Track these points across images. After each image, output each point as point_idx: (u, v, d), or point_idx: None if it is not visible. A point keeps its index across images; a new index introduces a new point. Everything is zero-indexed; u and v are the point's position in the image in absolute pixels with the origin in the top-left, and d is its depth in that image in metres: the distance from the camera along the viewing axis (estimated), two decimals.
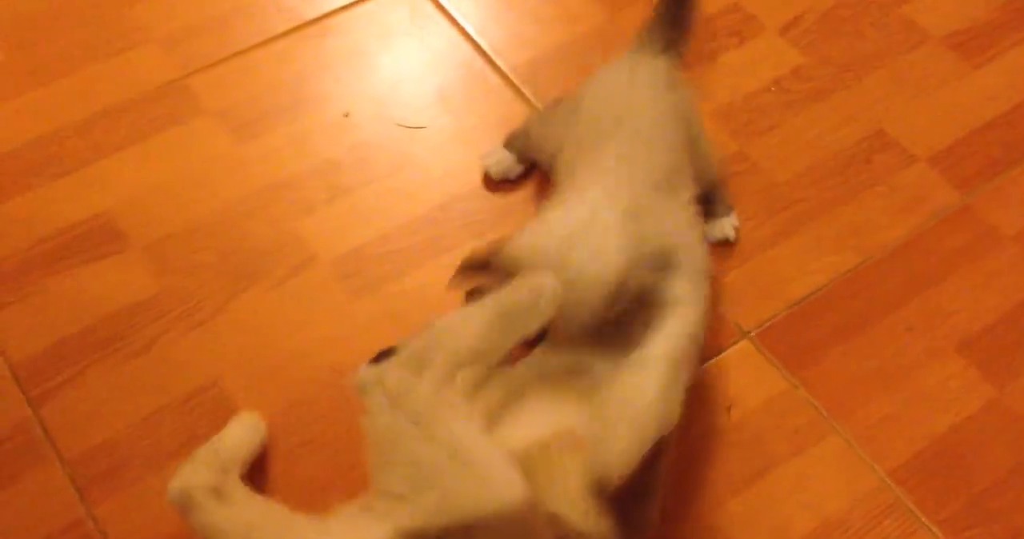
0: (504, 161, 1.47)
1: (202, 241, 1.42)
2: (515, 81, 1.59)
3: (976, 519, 1.23)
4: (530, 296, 1.00)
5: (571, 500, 0.95)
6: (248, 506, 1.08)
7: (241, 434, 1.22)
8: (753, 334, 1.36)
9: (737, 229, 1.42)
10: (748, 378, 1.32)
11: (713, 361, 1.33)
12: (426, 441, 0.92)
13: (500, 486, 0.91)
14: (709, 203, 1.39)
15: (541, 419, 1.03)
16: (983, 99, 1.59)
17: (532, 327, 1.00)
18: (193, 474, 1.11)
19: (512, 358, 1.06)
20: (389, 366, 0.97)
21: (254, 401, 1.29)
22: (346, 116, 1.55)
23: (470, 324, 0.98)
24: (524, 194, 1.48)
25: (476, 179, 1.49)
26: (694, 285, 1.12)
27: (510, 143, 1.47)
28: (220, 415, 1.27)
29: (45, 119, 1.52)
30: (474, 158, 1.50)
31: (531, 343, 1.11)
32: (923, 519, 1.23)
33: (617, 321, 1.07)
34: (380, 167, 1.50)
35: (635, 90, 1.31)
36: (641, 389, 1.02)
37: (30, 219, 1.43)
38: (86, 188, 1.46)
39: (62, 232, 1.42)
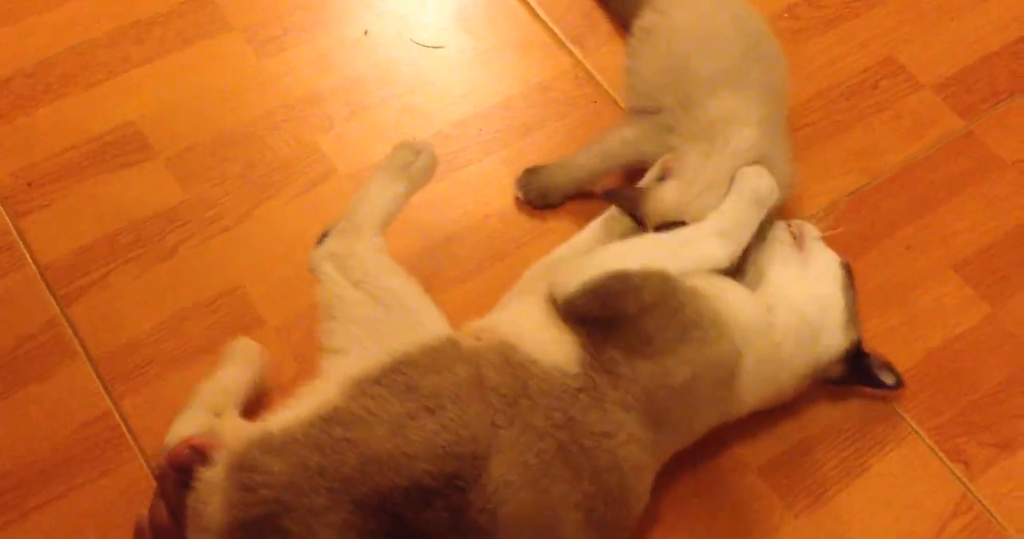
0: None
1: (225, 152, 1.46)
2: (532, 4, 1.62)
3: (965, 428, 1.28)
4: (411, 153, 1.22)
5: (539, 334, 1.07)
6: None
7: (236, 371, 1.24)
8: None
9: None
10: None
11: None
12: (366, 298, 1.06)
13: (427, 324, 1.04)
14: None
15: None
16: (991, 28, 1.62)
17: (423, 177, 1.22)
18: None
19: None
20: (330, 239, 1.15)
21: (274, 306, 1.34)
22: (366, 34, 1.58)
23: (372, 188, 1.19)
24: (540, 114, 1.51)
25: (493, 99, 1.53)
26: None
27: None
28: (241, 319, 1.33)
29: (77, 30, 1.56)
30: (491, 78, 1.53)
31: None
32: (914, 426, 1.28)
33: None
34: (399, 85, 1.54)
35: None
36: (612, 249, 1.15)
37: (60, 127, 1.47)
38: (114, 98, 1.50)
39: (90, 140, 1.46)
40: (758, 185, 1.19)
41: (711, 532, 1.20)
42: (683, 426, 1.10)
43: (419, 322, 1.05)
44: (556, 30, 1.59)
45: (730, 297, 1.12)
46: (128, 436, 1.24)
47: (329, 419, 0.93)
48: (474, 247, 1.39)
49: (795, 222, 1.27)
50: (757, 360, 1.11)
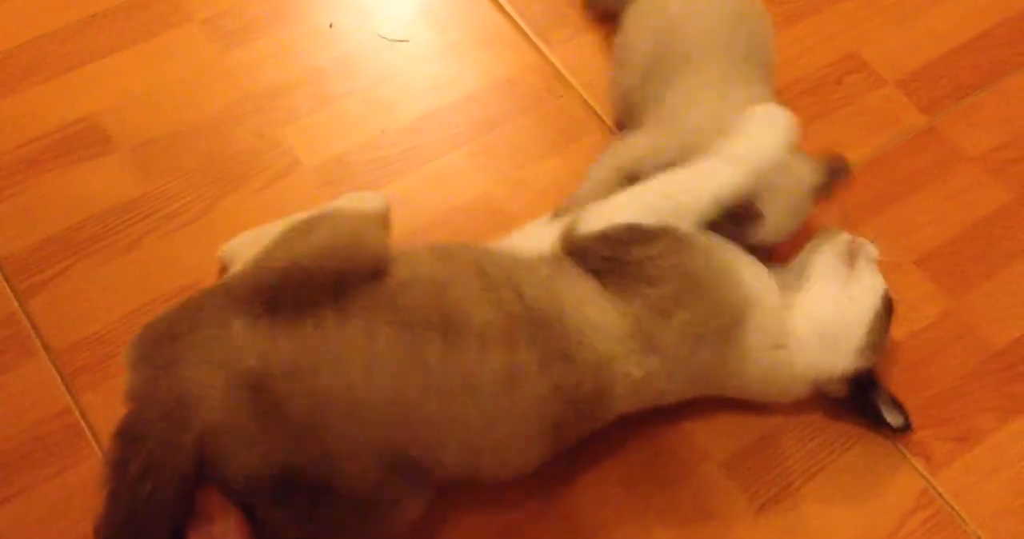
0: None
1: (187, 145, 1.45)
2: None
3: (927, 422, 1.29)
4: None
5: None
6: None
7: None
8: None
9: None
10: None
11: None
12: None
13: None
14: None
15: None
16: (954, 24, 1.63)
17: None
18: None
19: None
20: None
21: None
22: (331, 27, 1.57)
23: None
24: (505, 108, 1.51)
25: (458, 93, 1.52)
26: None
27: None
28: None
29: (36, 23, 1.54)
30: (457, 71, 1.53)
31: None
32: None
33: None
34: (364, 78, 1.53)
35: None
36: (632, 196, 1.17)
37: (19, 120, 1.45)
38: (74, 91, 1.48)
39: (50, 133, 1.44)
40: (767, 112, 1.22)
41: (674, 525, 1.20)
42: (680, 359, 1.11)
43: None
44: (522, 24, 1.59)
45: (745, 261, 1.18)
46: (88, 432, 1.23)
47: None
48: (439, 241, 1.38)
49: (858, 239, 1.27)
50: (761, 331, 1.14)
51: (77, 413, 1.24)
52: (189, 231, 1.38)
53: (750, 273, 1.17)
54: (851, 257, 1.25)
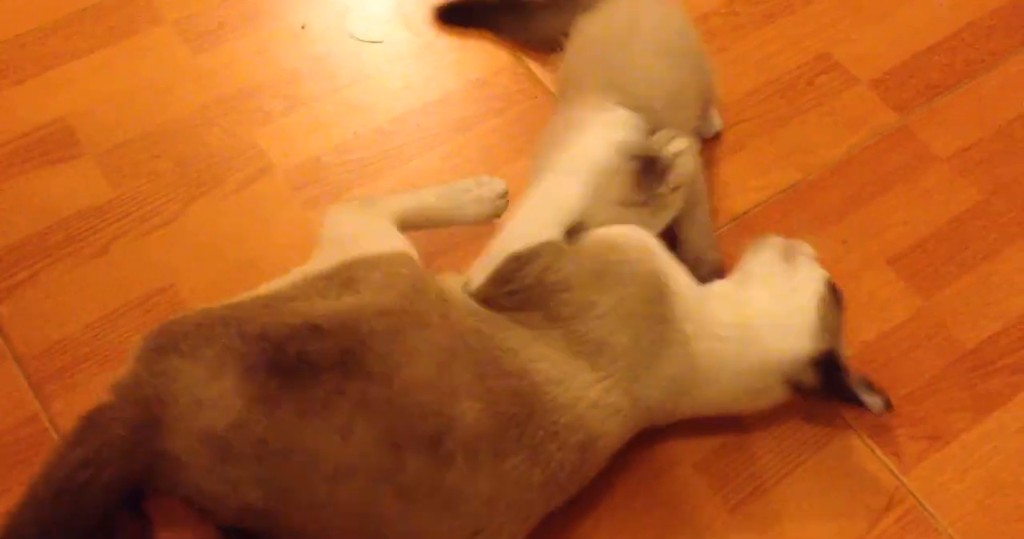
0: None
1: (159, 148, 1.44)
2: None
3: (899, 421, 1.29)
4: (475, 187, 1.31)
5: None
6: None
7: None
8: None
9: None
10: None
11: None
12: (350, 233, 1.18)
13: (391, 241, 1.16)
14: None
15: None
16: (925, 24, 1.63)
17: (469, 216, 1.30)
18: None
19: None
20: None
21: (208, 303, 1.31)
22: (303, 28, 1.57)
23: (416, 191, 1.31)
24: (479, 109, 1.51)
25: (432, 94, 1.52)
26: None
27: None
28: None
29: (6, 26, 1.53)
30: (431, 73, 1.53)
31: None
32: (848, 420, 1.29)
33: None
34: (337, 79, 1.52)
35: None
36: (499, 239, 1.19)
37: None
38: (43, 94, 1.47)
39: (19, 137, 1.43)
40: (599, 119, 1.26)
41: (647, 526, 1.20)
42: (624, 349, 1.10)
43: (386, 240, 1.16)
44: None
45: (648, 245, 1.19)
46: (58, 440, 1.22)
47: (264, 295, 1.06)
48: (414, 243, 1.38)
49: (793, 240, 1.29)
50: (691, 317, 1.15)
51: (46, 420, 1.24)
52: (161, 234, 1.37)
53: (651, 251, 1.17)
54: (788, 255, 1.26)
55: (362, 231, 1.18)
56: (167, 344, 1.00)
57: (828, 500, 1.23)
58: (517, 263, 1.13)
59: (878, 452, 1.27)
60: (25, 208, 1.38)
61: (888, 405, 1.22)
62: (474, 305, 1.12)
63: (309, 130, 1.47)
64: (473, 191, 1.31)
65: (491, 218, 1.31)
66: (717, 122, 1.49)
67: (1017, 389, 1.32)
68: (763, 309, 1.20)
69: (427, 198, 1.29)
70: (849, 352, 1.32)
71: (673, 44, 1.37)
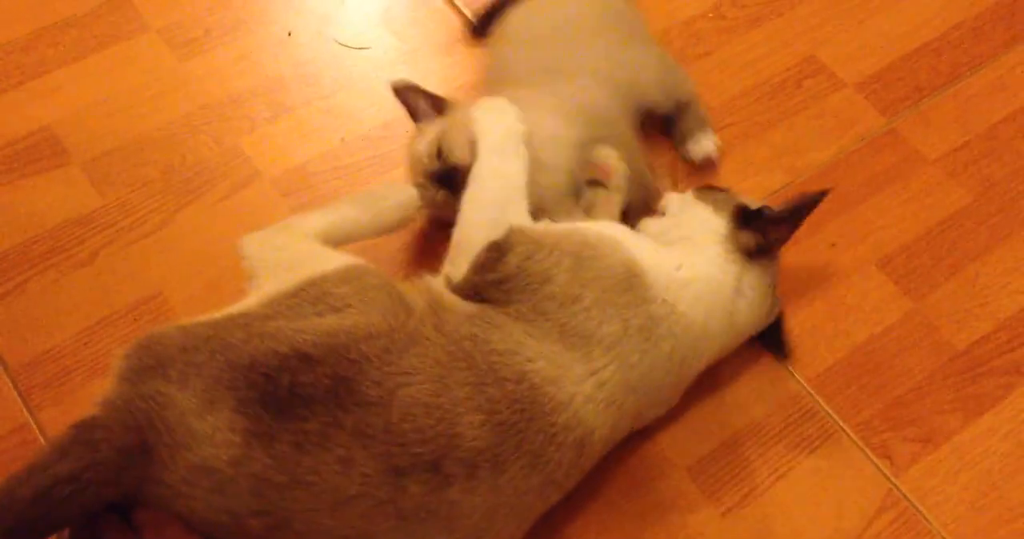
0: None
1: (145, 156, 1.43)
2: (458, 4, 1.61)
3: (890, 423, 1.29)
4: (389, 193, 1.28)
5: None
6: None
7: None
8: None
9: (718, 146, 1.47)
10: None
11: None
12: (285, 256, 1.16)
13: (342, 257, 1.15)
14: (682, 121, 1.46)
15: None
16: (912, 26, 1.63)
17: (391, 217, 1.27)
18: None
19: None
20: (264, 230, 1.22)
21: (196, 312, 1.29)
22: (289, 35, 1.56)
23: (332, 205, 1.26)
24: None
25: None
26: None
27: None
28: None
29: None
30: (417, 79, 1.52)
31: None
32: (840, 423, 1.29)
33: None
34: (323, 86, 1.52)
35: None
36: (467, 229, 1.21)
37: None
38: (29, 103, 1.47)
39: (4, 146, 1.43)
40: (484, 107, 1.28)
41: (640, 532, 1.20)
42: (601, 335, 1.10)
43: (335, 257, 1.16)
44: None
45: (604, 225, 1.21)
46: (45, 445, 1.20)
47: (237, 315, 1.05)
48: (401, 249, 1.39)
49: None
50: (653, 260, 1.16)
51: (36, 429, 1.23)
52: (148, 243, 1.37)
53: (618, 241, 1.17)
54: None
55: (295, 256, 1.17)
56: (153, 366, 0.99)
57: (821, 503, 1.23)
58: (498, 251, 1.14)
59: (870, 455, 1.27)
60: (11, 218, 1.37)
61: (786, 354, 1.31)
62: (466, 307, 1.11)
63: (296, 137, 1.47)
64: (389, 198, 1.27)
65: (408, 223, 1.30)
66: (707, 145, 1.46)
67: (1008, 390, 1.32)
68: (683, 230, 1.24)
69: (345, 211, 1.26)
70: (840, 355, 1.33)
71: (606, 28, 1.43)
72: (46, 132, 1.44)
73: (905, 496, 1.25)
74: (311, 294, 1.07)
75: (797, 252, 1.40)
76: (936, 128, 1.53)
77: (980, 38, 1.63)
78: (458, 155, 1.25)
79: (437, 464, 0.97)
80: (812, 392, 1.30)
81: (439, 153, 1.27)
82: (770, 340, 1.31)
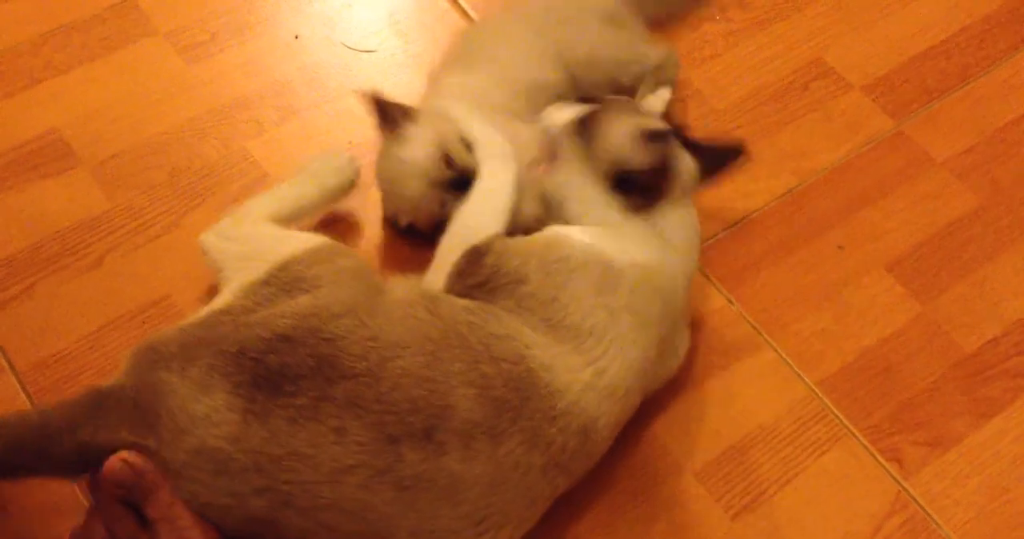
0: None
1: (153, 159, 1.43)
2: (464, 6, 1.61)
3: (900, 426, 1.29)
4: (324, 162, 1.35)
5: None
6: None
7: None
8: None
9: (666, 101, 1.47)
10: None
11: None
12: (248, 246, 1.20)
13: (307, 237, 1.19)
14: (645, 85, 1.48)
15: None
16: (919, 28, 1.63)
17: (338, 186, 1.34)
18: None
19: None
20: (220, 221, 1.26)
21: None
22: (296, 38, 1.56)
23: (279, 186, 1.32)
24: None
25: None
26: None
27: None
28: None
29: None
30: (423, 82, 1.52)
31: None
32: (849, 426, 1.28)
33: None
34: (330, 89, 1.52)
35: None
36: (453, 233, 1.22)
37: None
38: (37, 106, 1.47)
39: (12, 149, 1.43)
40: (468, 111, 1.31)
41: (648, 535, 1.20)
42: (588, 327, 1.11)
43: (299, 238, 1.19)
44: None
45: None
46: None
47: (220, 311, 1.08)
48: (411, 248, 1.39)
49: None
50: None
51: None
52: (155, 246, 1.37)
53: (576, 240, 1.17)
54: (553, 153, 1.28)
55: (258, 244, 1.20)
56: (156, 359, 1.01)
57: (830, 507, 1.23)
58: (475, 255, 1.15)
59: (879, 458, 1.27)
60: (19, 220, 1.37)
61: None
62: (460, 300, 1.12)
63: (303, 140, 1.47)
64: (327, 164, 1.34)
65: (352, 187, 1.35)
66: (654, 101, 1.48)
67: (1017, 394, 1.32)
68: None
69: (290, 188, 1.31)
70: (848, 358, 1.33)
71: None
72: (54, 135, 1.44)
73: (915, 499, 1.24)
74: (283, 280, 1.10)
75: (806, 255, 1.40)
76: (944, 131, 1.53)
77: (988, 41, 1.63)
78: (467, 160, 1.25)
79: (430, 432, 0.98)
80: (821, 395, 1.30)
81: (448, 160, 1.26)
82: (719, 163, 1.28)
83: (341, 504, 0.97)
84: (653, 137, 1.20)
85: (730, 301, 1.37)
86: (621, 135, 1.22)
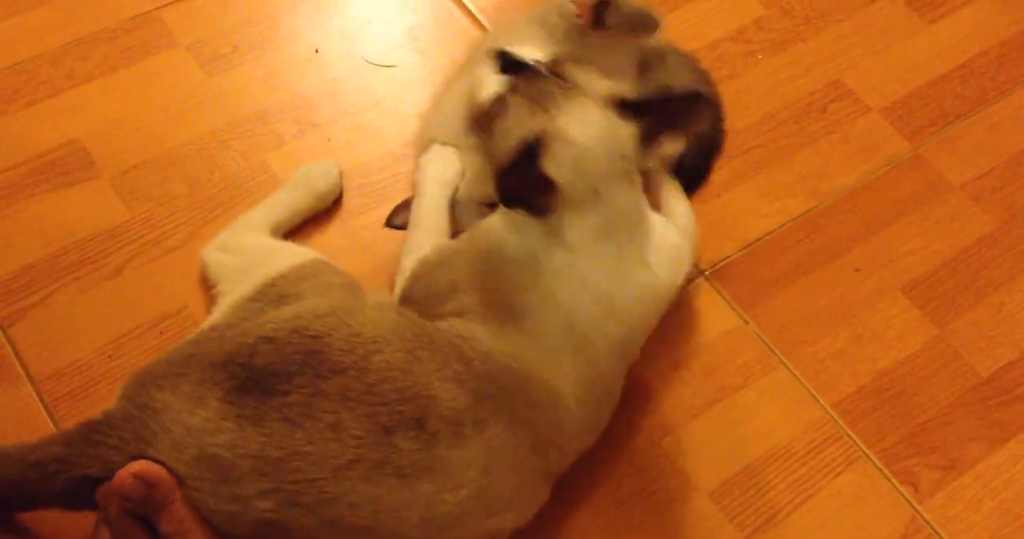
0: None
1: (172, 171, 1.44)
2: (484, 22, 1.62)
3: (914, 449, 1.29)
4: (311, 168, 1.42)
5: None
6: None
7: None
8: (708, 273, 1.41)
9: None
10: (702, 314, 1.37)
11: None
12: (245, 260, 1.25)
13: (298, 252, 1.25)
14: None
15: None
16: (938, 52, 1.64)
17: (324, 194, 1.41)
18: None
19: None
20: (220, 235, 1.33)
21: None
22: (316, 52, 1.57)
23: (271, 197, 1.39)
24: None
25: None
26: None
27: None
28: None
29: (20, 47, 1.53)
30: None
31: None
32: (864, 448, 1.28)
33: None
34: (349, 104, 1.53)
35: None
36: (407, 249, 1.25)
37: (1, 145, 1.44)
38: (58, 116, 1.47)
39: (33, 158, 1.43)
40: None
41: None
42: (543, 318, 1.11)
43: (290, 252, 1.24)
44: None
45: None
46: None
47: (209, 329, 1.10)
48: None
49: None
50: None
51: None
52: (174, 257, 1.37)
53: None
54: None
55: (251, 258, 1.26)
56: (147, 381, 1.03)
57: (844, 529, 1.23)
58: (412, 281, 1.18)
59: (893, 481, 1.27)
60: (39, 230, 1.38)
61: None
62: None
63: (321, 154, 1.47)
64: (313, 171, 1.41)
65: (339, 190, 1.43)
66: None
67: None
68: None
69: (280, 197, 1.38)
70: (864, 380, 1.33)
71: None
72: (75, 145, 1.45)
73: (928, 523, 1.24)
74: (270, 296, 1.14)
75: (822, 276, 1.40)
76: (961, 154, 1.53)
77: (1006, 65, 1.63)
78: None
79: (422, 421, 1.00)
80: (836, 417, 1.30)
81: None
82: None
83: (347, 498, 0.97)
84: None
85: (745, 321, 1.37)
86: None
